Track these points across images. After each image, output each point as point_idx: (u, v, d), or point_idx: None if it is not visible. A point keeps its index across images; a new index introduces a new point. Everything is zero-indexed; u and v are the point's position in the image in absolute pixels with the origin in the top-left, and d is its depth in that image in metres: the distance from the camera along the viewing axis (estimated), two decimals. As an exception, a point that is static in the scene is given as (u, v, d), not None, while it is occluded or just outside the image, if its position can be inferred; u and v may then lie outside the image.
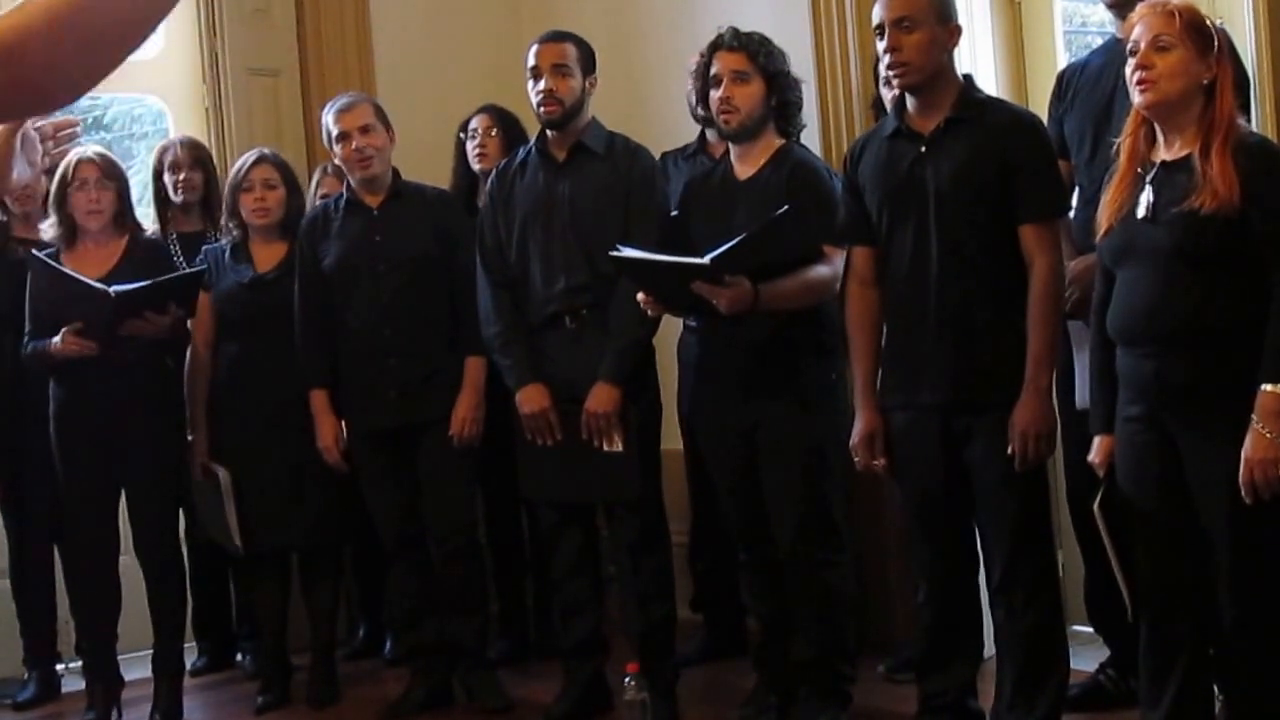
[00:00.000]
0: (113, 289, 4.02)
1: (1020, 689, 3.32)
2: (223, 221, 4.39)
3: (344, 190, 4.26)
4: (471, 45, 5.40)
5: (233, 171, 4.39)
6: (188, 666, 4.59)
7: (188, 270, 4.34)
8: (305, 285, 4.21)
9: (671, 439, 4.20)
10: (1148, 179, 2.95)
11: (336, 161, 4.27)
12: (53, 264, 4.10)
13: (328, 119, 4.19)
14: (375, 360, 4.13)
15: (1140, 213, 2.94)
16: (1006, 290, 3.24)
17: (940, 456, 3.33)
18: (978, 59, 4.24)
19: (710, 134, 4.32)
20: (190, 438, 4.34)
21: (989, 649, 3.56)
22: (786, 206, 3.43)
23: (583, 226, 3.84)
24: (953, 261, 3.25)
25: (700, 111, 4.26)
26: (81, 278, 4.07)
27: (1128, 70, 2.96)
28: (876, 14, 3.30)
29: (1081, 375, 3.44)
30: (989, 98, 3.47)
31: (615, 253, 3.59)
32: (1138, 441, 2.99)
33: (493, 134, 4.61)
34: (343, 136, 4.12)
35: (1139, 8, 3.01)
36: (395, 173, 4.25)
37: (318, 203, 4.67)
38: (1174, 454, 2.94)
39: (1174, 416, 2.93)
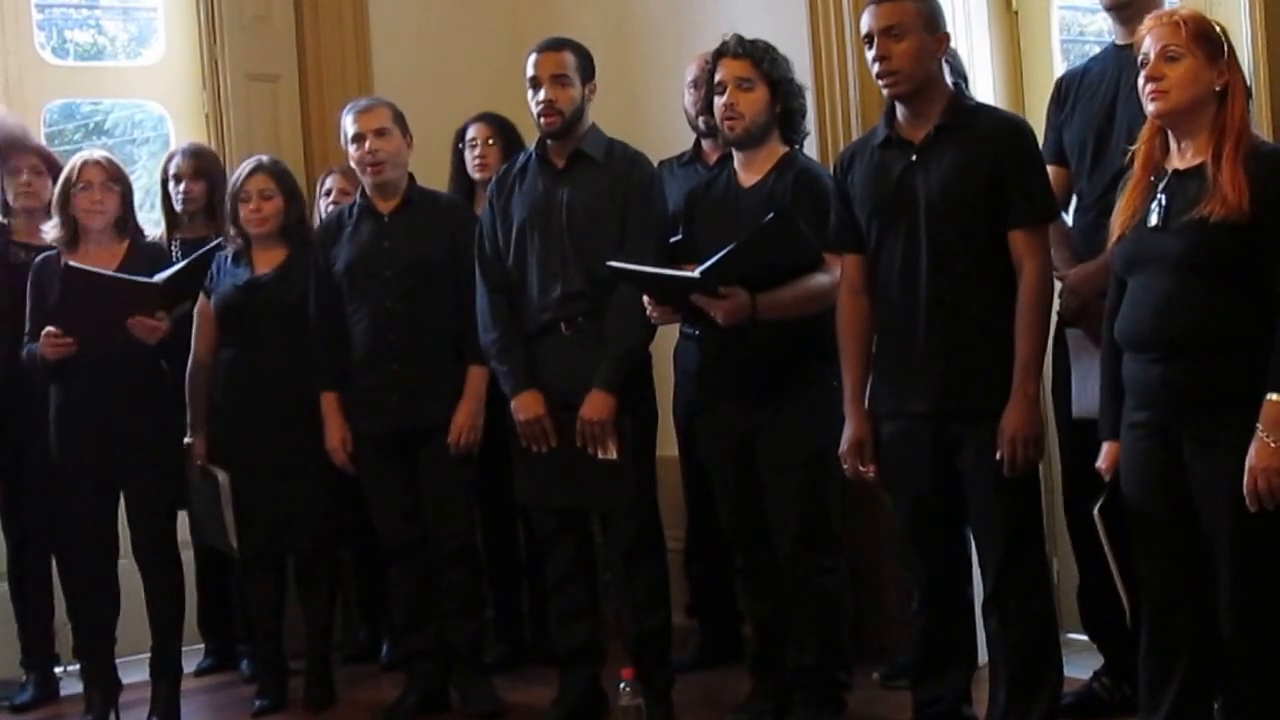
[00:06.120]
0: (157, 278, 4.04)
1: (1014, 696, 3.33)
2: (226, 229, 4.41)
3: (359, 196, 4.28)
4: (470, 50, 5.41)
5: (231, 181, 4.42)
6: (194, 667, 4.60)
7: (209, 245, 4.33)
8: (319, 289, 4.23)
9: (667, 445, 4.20)
10: (1160, 187, 2.96)
11: (351, 164, 4.27)
12: (94, 270, 4.06)
13: (346, 119, 4.19)
14: (379, 365, 4.14)
15: (1152, 221, 2.94)
16: (996, 297, 3.25)
17: (931, 464, 3.33)
18: (975, 67, 4.24)
19: (706, 143, 4.33)
20: (189, 440, 4.36)
21: (983, 656, 3.57)
22: (772, 214, 3.44)
23: (580, 233, 3.84)
24: (942, 269, 3.26)
25: (699, 121, 4.27)
26: (125, 276, 4.08)
27: (1140, 81, 2.97)
28: (865, 23, 3.32)
29: (1079, 384, 3.45)
30: (979, 104, 3.47)
31: (612, 264, 3.60)
32: (1142, 447, 2.99)
33: (491, 143, 4.61)
34: (357, 138, 4.13)
35: (1146, 20, 3.01)
36: (411, 179, 4.26)
37: (323, 200, 4.74)
38: (1178, 460, 2.94)
39: (1179, 423, 2.93)
